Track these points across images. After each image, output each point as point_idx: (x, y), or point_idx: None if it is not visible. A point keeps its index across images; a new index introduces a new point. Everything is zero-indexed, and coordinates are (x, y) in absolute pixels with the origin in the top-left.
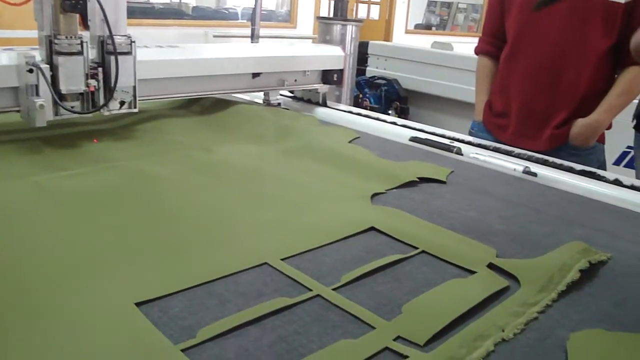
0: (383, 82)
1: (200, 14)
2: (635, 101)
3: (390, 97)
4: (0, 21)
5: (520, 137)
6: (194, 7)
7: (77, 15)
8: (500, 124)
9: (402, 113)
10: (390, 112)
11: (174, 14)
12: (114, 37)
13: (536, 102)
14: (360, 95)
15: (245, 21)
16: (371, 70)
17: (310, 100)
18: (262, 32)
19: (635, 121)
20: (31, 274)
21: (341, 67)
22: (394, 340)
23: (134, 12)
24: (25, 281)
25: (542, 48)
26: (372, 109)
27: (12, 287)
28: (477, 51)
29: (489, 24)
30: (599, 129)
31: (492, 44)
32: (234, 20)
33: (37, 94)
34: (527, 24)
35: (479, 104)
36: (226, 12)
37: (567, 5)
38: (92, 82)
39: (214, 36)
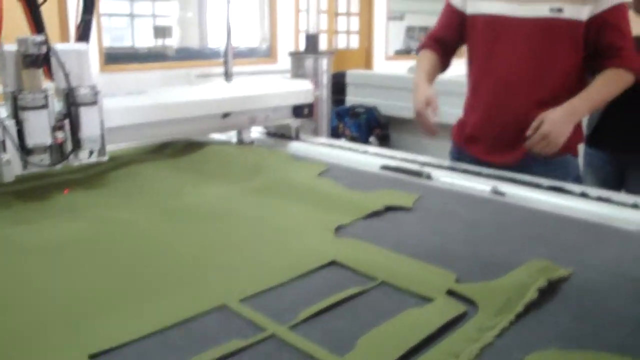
0: (362, 110)
1: (184, 55)
2: None
3: (371, 125)
4: None
5: (493, 155)
6: (177, 48)
7: (41, 70)
8: (472, 144)
9: (384, 139)
10: (371, 139)
11: (158, 57)
12: (79, 88)
13: (506, 120)
14: (341, 125)
15: None
16: (350, 99)
17: (284, 134)
18: (244, 68)
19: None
20: None
21: (311, 101)
22: None
23: (117, 58)
24: None
25: (511, 65)
26: (353, 138)
27: None
28: (421, 47)
29: (440, 32)
30: (574, 115)
31: (436, 47)
32: (217, 59)
33: (4, 150)
34: (493, 44)
35: (420, 76)
36: (209, 51)
37: (532, 23)
38: (59, 134)
39: (196, 76)
